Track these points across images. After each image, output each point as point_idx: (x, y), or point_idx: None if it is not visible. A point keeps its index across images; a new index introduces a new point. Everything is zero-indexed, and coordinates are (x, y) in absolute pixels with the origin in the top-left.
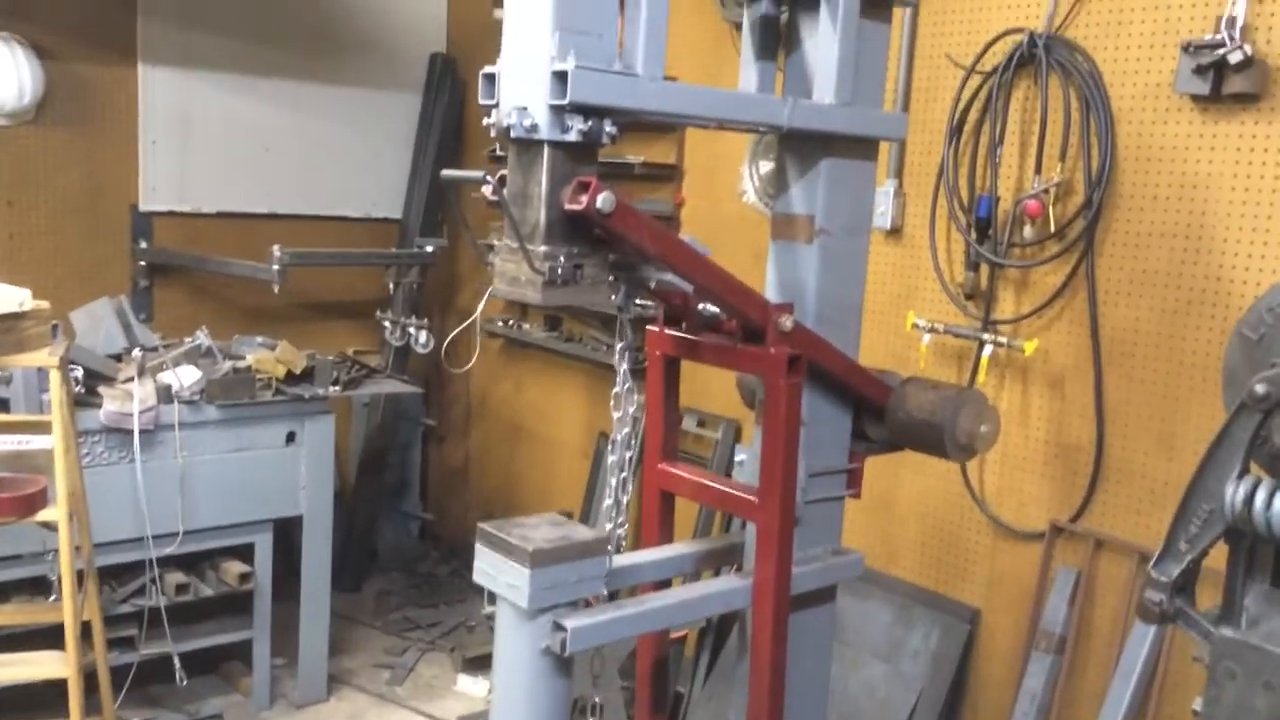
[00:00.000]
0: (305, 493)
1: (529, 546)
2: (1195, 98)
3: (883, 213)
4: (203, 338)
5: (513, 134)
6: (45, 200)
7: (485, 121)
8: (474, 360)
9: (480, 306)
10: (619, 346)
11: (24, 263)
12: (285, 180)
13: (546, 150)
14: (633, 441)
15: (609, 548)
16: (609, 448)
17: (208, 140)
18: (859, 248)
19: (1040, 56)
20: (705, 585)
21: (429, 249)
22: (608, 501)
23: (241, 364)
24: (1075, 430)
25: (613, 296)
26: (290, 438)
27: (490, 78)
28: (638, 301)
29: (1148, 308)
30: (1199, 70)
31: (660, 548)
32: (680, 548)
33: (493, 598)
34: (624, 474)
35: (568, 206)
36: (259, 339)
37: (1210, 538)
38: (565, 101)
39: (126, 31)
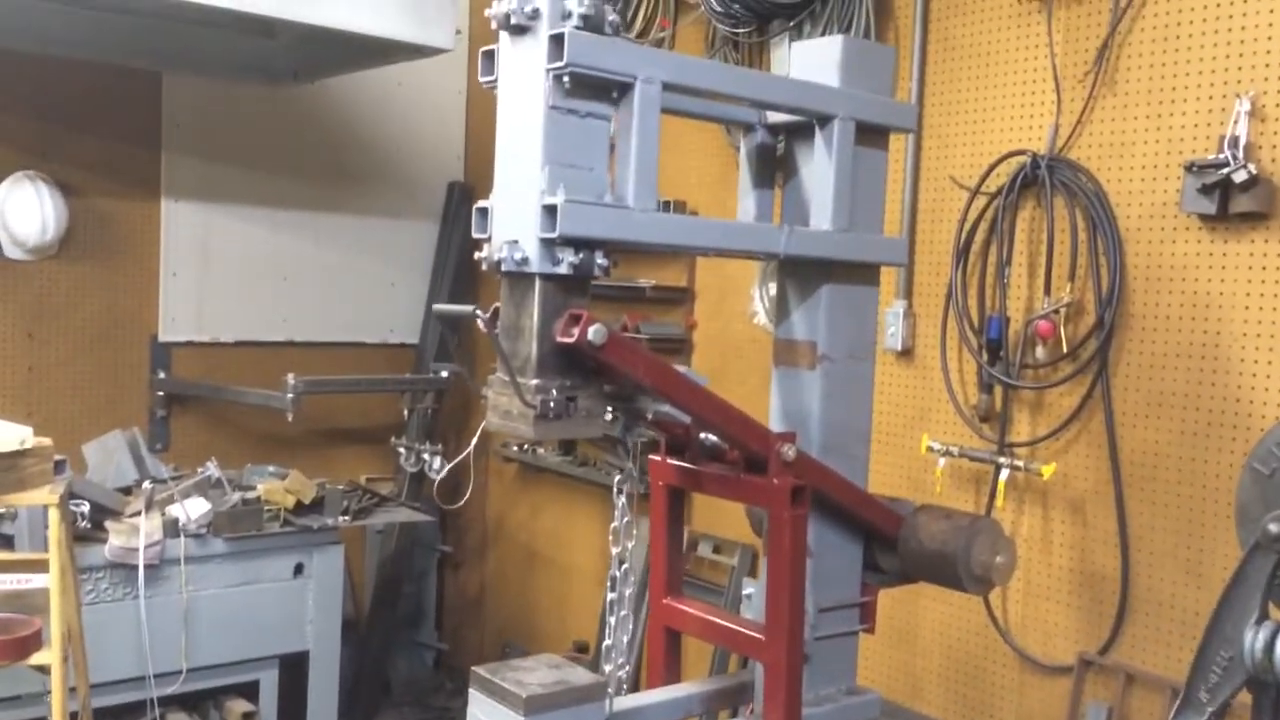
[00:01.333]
0: (313, 627)
1: (523, 693)
2: (1203, 217)
3: (893, 334)
4: (212, 468)
5: (504, 267)
6: (65, 332)
7: (477, 255)
8: (469, 493)
9: (473, 441)
10: (617, 480)
11: (42, 394)
12: (303, 308)
13: (538, 283)
14: (631, 577)
15: (609, 691)
16: (608, 584)
17: (226, 270)
18: (864, 373)
19: (1044, 177)
20: None
21: (443, 374)
22: (607, 641)
23: (251, 494)
24: (1099, 558)
25: (612, 427)
26: (298, 569)
27: (483, 211)
28: (639, 432)
29: (1167, 430)
30: (1204, 190)
31: (666, 688)
32: (688, 688)
33: None
34: (624, 612)
35: (559, 339)
36: (270, 468)
37: (1231, 688)
38: (555, 235)
39: (150, 166)
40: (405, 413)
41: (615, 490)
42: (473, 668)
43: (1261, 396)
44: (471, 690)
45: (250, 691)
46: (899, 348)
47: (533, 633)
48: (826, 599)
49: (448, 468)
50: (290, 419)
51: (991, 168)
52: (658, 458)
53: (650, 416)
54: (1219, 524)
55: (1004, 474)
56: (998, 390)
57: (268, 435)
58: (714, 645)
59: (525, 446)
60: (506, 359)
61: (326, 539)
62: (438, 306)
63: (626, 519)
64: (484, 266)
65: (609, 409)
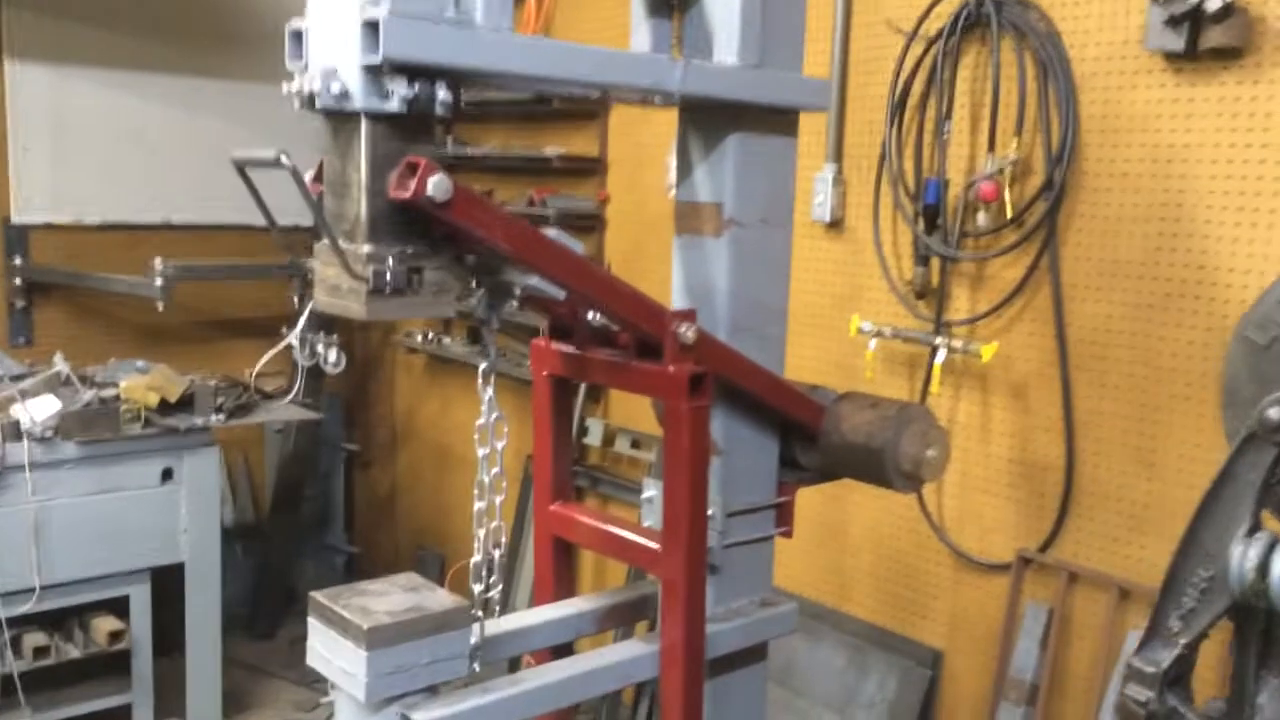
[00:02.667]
0: (187, 537)
1: (365, 623)
2: (1169, 56)
3: (820, 203)
4: (60, 364)
5: (319, 103)
6: None
7: (286, 89)
8: (373, 387)
9: (300, 324)
10: (483, 368)
11: None
12: (178, 186)
13: (364, 124)
14: (504, 482)
15: (477, 614)
16: (475, 491)
17: (86, 144)
18: (779, 241)
19: (990, 16)
20: (599, 655)
21: None
22: (475, 557)
23: (109, 393)
24: (1042, 447)
25: (471, 305)
26: (167, 475)
27: (297, 35)
28: (505, 310)
29: (1120, 303)
30: (1172, 22)
31: (551, 606)
32: (577, 604)
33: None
34: (495, 523)
35: (392, 194)
36: (139, 363)
37: (1211, 615)
38: (380, 59)
39: None
40: (296, 300)
41: (481, 380)
42: (312, 594)
43: (1228, 263)
44: (310, 619)
45: (121, 608)
46: (827, 218)
47: (447, 535)
48: (736, 501)
49: (344, 360)
50: (161, 308)
51: (931, 7)
52: (541, 342)
53: (519, 293)
54: (1175, 406)
55: (940, 356)
56: (935, 263)
57: (146, 329)
58: (608, 557)
59: (430, 336)
60: (326, 223)
61: (198, 441)
62: (235, 154)
63: (495, 415)
64: (296, 105)
65: (468, 283)
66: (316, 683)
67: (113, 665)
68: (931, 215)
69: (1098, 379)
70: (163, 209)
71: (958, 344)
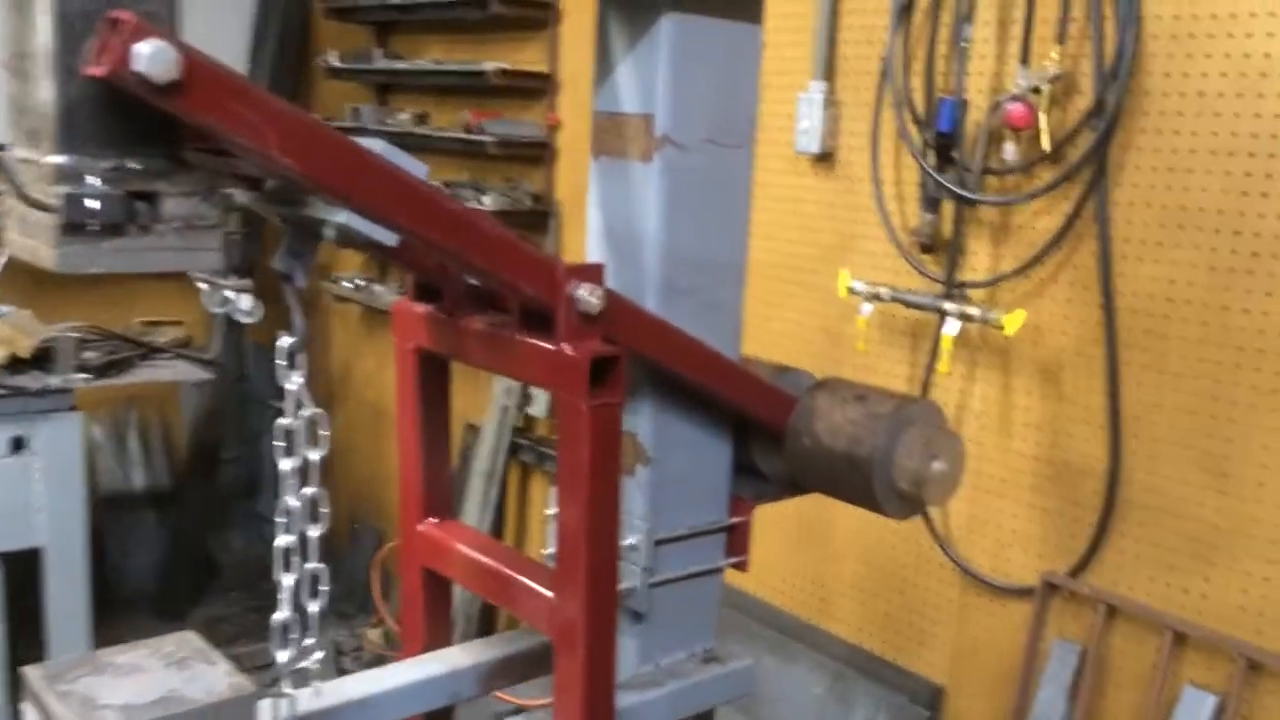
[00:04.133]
0: (45, 516)
1: None
2: None
3: (806, 130)
4: None
5: None
6: None
7: None
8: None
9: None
10: (287, 344)
11: None
12: None
13: None
14: (324, 509)
15: (280, 692)
16: (279, 520)
17: None
18: (735, 170)
19: None
20: None
21: None
22: (281, 614)
23: None
24: (1079, 444)
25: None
26: (17, 445)
27: None
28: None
29: (1189, 264)
30: None
31: (414, 662)
32: (455, 658)
33: None
34: (312, 566)
35: (87, 71)
36: (3, 309)
37: None
38: None
39: None
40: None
41: (284, 363)
42: (25, 669)
43: None
44: (25, 706)
45: None
46: (815, 149)
47: (384, 507)
48: (670, 525)
49: (260, 309)
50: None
51: None
52: (404, 302)
53: (332, 235)
54: (1258, 401)
55: (951, 326)
56: (947, 207)
57: (28, 270)
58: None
59: (360, 283)
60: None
61: (56, 404)
62: None
63: (307, 412)
64: None
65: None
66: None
67: None
68: (945, 147)
69: (1155, 362)
70: None
71: (974, 311)
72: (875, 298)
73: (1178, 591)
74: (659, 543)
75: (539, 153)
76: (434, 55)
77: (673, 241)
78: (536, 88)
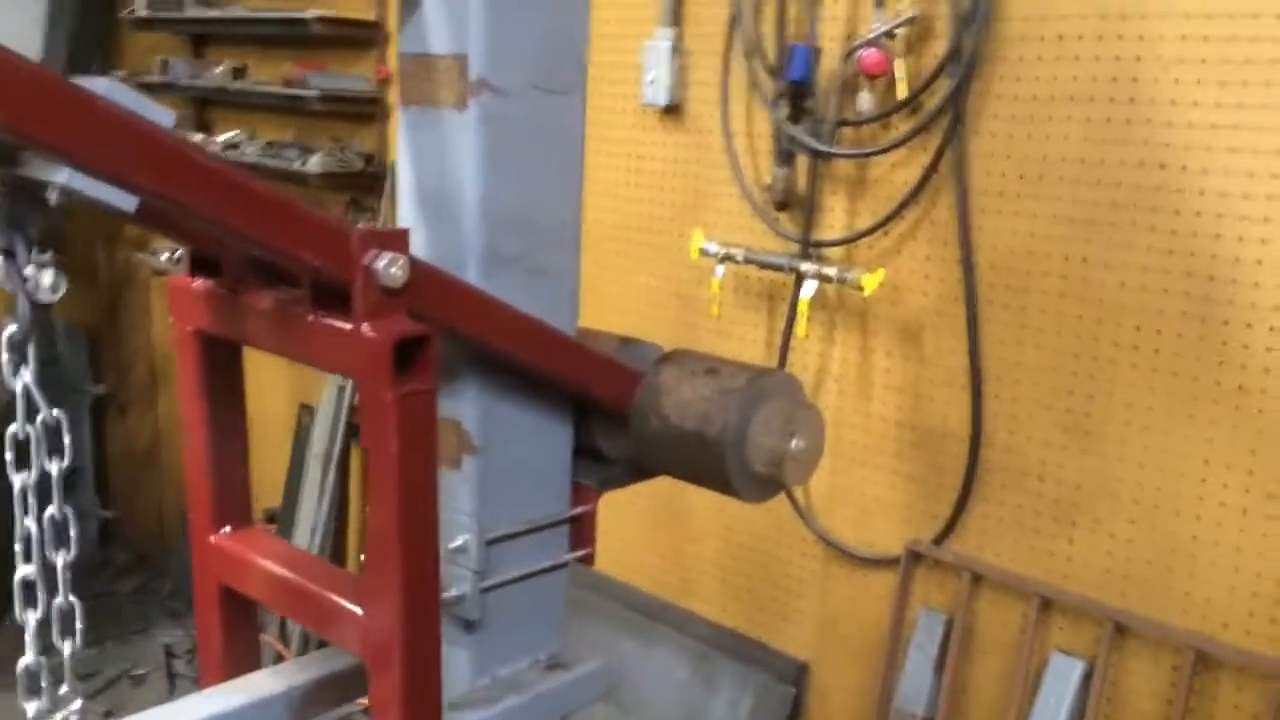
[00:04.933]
0: None
1: None
2: None
3: (653, 81)
4: None
5: None
6: None
7: None
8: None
9: None
10: (5, 335)
11: None
12: None
13: None
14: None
15: None
16: (18, 549)
17: None
18: (565, 118)
19: None
20: None
21: None
22: (26, 658)
23: None
24: (940, 407)
25: None
26: None
27: None
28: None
29: (1049, 217)
30: None
31: (211, 693)
32: (260, 685)
33: None
34: (61, 600)
35: None
36: None
37: None
38: None
39: None
40: None
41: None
42: None
43: (1204, 160)
44: None
45: None
46: (662, 101)
47: None
48: (503, 520)
49: (63, 284)
50: None
51: None
52: (180, 277)
53: (55, 199)
54: (1120, 357)
55: (808, 287)
56: (801, 162)
57: None
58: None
59: (176, 256)
60: None
61: None
62: None
63: (48, 414)
64: None
65: None
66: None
67: None
68: (798, 96)
69: (1016, 319)
70: None
71: (831, 271)
72: (728, 259)
73: (1043, 556)
74: (491, 542)
75: (370, 109)
76: (253, 3)
77: (493, 201)
78: (365, 37)
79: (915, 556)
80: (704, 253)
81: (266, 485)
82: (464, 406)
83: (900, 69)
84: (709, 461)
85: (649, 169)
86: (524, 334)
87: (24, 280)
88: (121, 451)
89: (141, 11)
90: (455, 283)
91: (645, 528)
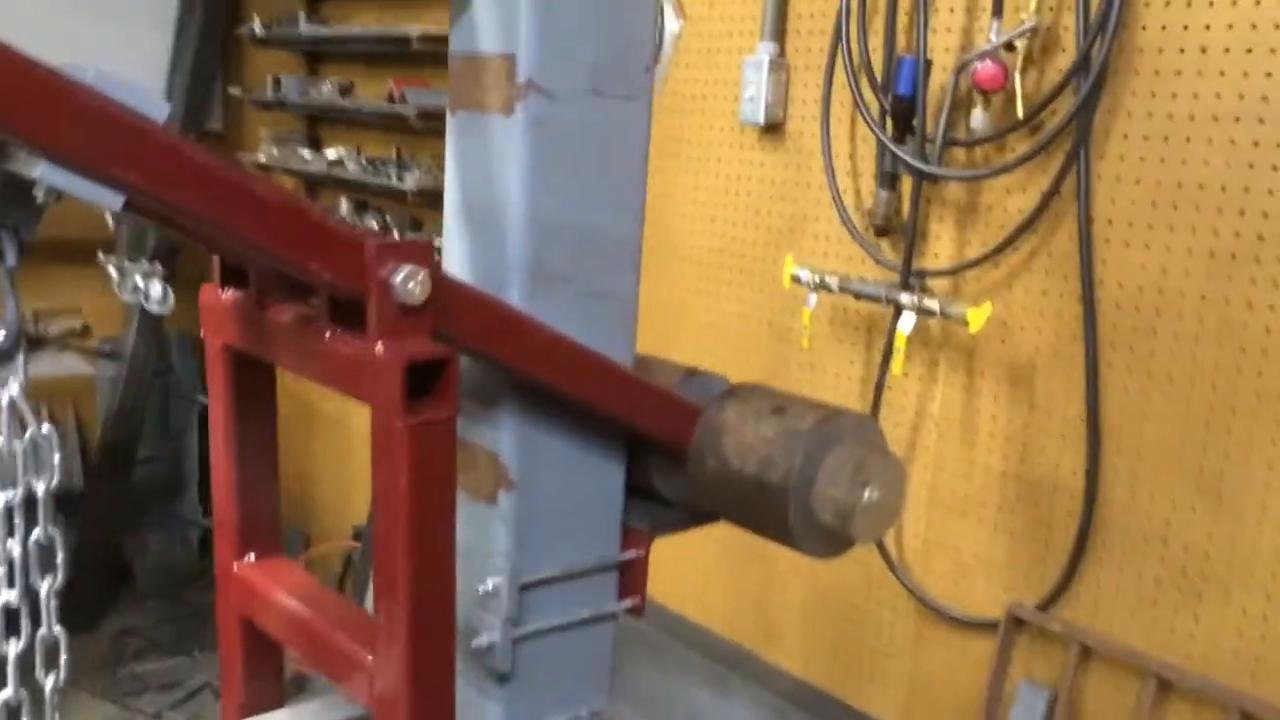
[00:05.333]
0: None
1: None
2: None
3: (752, 98)
4: None
5: None
6: None
7: None
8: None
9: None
10: None
11: None
12: None
13: None
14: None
15: None
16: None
17: None
18: (626, 127)
19: None
20: None
21: None
22: (5, 691)
23: None
24: (1052, 457)
25: None
26: None
27: None
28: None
29: (1185, 250)
30: None
31: None
32: None
33: None
34: (46, 631)
35: None
36: None
37: None
38: None
39: None
40: (110, 220)
41: None
42: None
43: None
44: None
45: None
46: (760, 120)
47: (314, 509)
48: (542, 562)
49: (170, 296)
50: None
51: None
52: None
53: (43, 198)
54: (1262, 410)
55: (906, 321)
56: (906, 184)
57: None
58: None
59: None
60: None
61: None
62: None
63: (35, 432)
64: None
65: None
66: (131, 695)
67: None
68: (905, 114)
69: (1143, 363)
70: None
71: (933, 304)
72: (822, 288)
73: (1163, 630)
74: (526, 587)
75: None
76: (365, 21)
77: (541, 214)
78: None
79: (1017, 622)
80: (796, 280)
81: (357, 502)
82: (502, 436)
83: (1018, 83)
84: (770, 510)
85: (745, 190)
86: (567, 362)
87: (13, 284)
88: None
89: (258, 30)
90: (488, 302)
91: (725, 567)
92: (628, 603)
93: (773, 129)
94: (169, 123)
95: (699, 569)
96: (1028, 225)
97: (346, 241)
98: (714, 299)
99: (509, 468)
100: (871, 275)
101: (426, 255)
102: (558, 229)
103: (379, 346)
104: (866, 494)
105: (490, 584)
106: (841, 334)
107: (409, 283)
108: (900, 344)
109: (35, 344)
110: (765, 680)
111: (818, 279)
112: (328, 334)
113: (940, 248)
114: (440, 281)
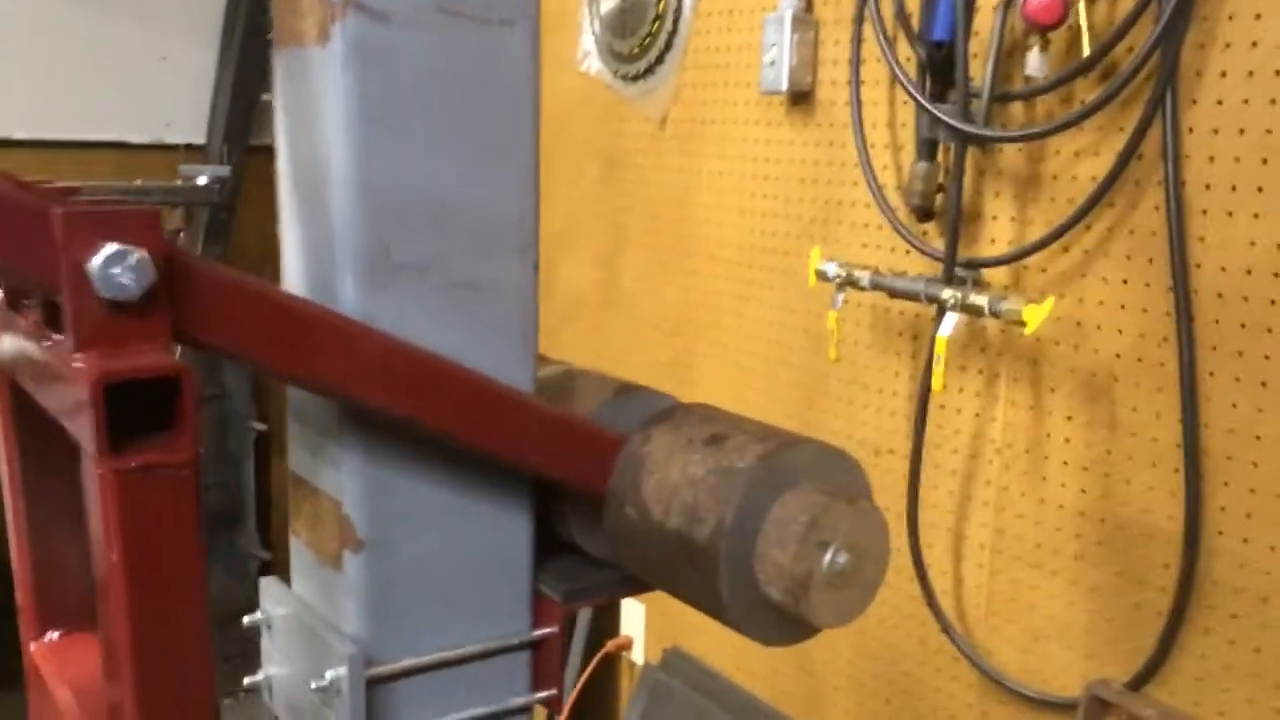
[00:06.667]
0: None
1: None
2: None
3: (773, 63)
4: None
5: None
6: None
7: None
8: None
9: None
10: None
11: None
12: (33, 94)
13: None
14: None
15: None
16: None
17: None
18: (500, 61)
19: None
20: None
21: (201, 180)
22: None
23: None
24: (1140, 493)
25: None
26: None
27: None
28: None
29: None
30: None
31: None
32: None
33: None
34: None
35: None
36: None
37: None
38: None
39: None
40: (179, 236)
41: None
42: None
43: None
44: None
45: None
46: (782, 87)
47: None
48: (403, 647)
49: None
50: None
51: None
52: None
53: None
54: None
55: (947, 323)
56: (946, 151)
57: None
58: None
59: None
60: None
61: None
62: None
63: None
64: None
65: None
66: None
67: None
68: (942, 65)
69: (1254, 371)
70: (9, 123)
71: (979, 300)
72: (850, 283)
73: None
74: (384, 679)
75: None
76: None
77: (376, 181)
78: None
79: (1101, 705)
80: (822, 276)
81: None
82: (343, 479)
83: (1083, 14)
84: (697, 579)
85: (773, 173)
86: (412, 382)
87: None
88: (280, 489)
89: None
90: (271, 296)
91: None
92: (544, 693)
93: (800, 98)
94: None
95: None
96: (1101, 196)
97: (23, 210)
98: (742, 302)
99: (354, 521)
100: (917, 266)
101: (146, 228)
102: (404, 202)
103: (79, 360)
104: (827, 559)
105: (328, 677)
106: (885, 341)
107: (113, 268)
108: (940, 351)
109: None
110: None
111: (845, 274)
112: (44, 343)
113: (997, 230)
114: (180, 267)
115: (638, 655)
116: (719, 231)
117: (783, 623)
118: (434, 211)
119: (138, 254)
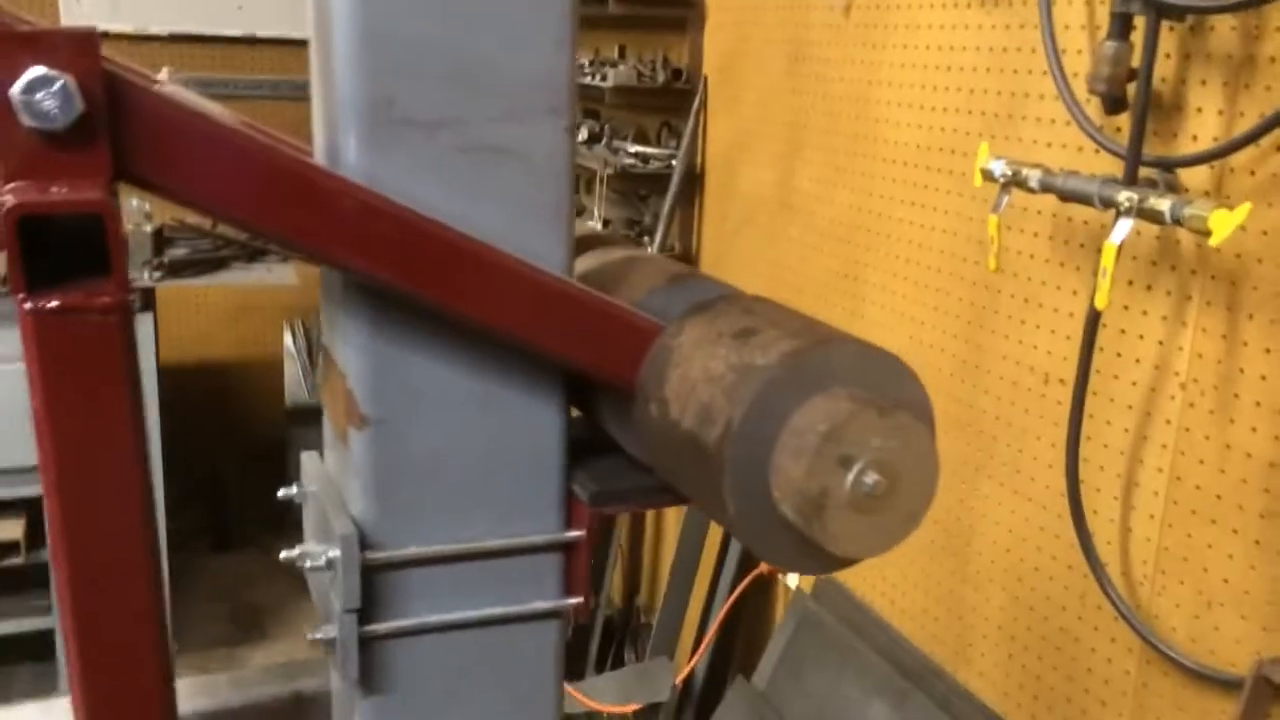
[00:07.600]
0: None
1: None
2: None
3: None
4: None
5: None
6: None
7: None
8: None
9: None
10: None
11: None
12: None
13: None
14: None
15: None
16: None
17: None
18: None
19: None
20: None
21: None
22: None
23: None
24: None
25: None
26: None
27: None
28: None
29: None
30: None
31: None
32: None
33: None
34: None
35: None
36: None
37: None
38: None
39: None
40: None
41: None
42: None
43: None
44: None
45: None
46: None
47: None
48: (410, 533)
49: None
50: None
51: None
52: None
53: None
54: None
55: (1119, 229)
56: (1141, 26)
57: None
58: None
59: None
60: None
61: None
62: None
63: None
64: None
65: None
66: None
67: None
68: None
69: None
70: (245, 19)
71: (1160, 205)
72: (1017, 183)
73: None
74: (387, 566)
75: (681, 14)
76: None
77: (378, 26)
78: (672, 19)
79: (1271, 689)
80: (988, 176)
81: None
82: (348, 353)
83: None
84: (707, 488)
85: (956, 62)
86: (398, 247)
87: None
88: None
89: None
90: (230, 135)
91: (920, 558)
92: (571, 600)
93: None
94: None
95: (894, 555)
96: None
97: None
98: (916, 209)
99: (357, 395)
100: (1101, 166)
101: (79, 53)
102: (411, 52)
103: (3, 194)
104: (850, 478)
105: (324, 556)
106: (1064, 254)
107: (38, 93)
108: (1107, 263)
109: (260, 252)
110: (951, 706)
111: (1012, 173)
112: None
113: (1200, 125)
114: (124, 97)
115: (792, 579)
116: (896, 131)
117: (800, 545)
118: (447, 64)
119: (64, 79)
